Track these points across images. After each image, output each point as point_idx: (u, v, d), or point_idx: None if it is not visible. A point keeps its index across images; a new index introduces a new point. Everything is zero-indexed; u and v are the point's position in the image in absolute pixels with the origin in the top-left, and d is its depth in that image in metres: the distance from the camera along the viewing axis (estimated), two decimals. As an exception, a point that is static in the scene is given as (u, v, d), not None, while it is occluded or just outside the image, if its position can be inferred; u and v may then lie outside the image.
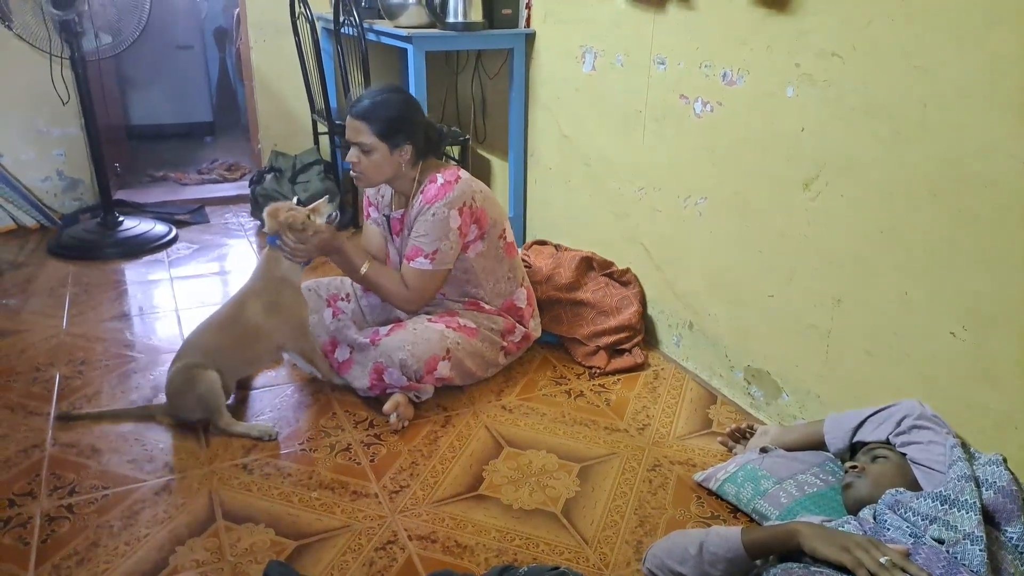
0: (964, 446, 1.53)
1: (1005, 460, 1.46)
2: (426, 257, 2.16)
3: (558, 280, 2.56)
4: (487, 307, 2.33)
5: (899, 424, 1.59)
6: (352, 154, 2.14)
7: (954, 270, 1.61)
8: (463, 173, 2.22)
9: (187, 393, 2.01)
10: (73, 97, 3.42)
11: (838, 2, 1.77)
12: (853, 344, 1.89)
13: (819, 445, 1.79)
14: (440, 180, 2.18)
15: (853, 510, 1.50)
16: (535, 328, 2.45)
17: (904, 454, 1.55)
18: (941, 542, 1.27)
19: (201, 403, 2.01)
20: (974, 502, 1.30)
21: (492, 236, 2.28)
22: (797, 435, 1.86)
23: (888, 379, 1.80)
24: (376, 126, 2.09)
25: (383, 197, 2.39)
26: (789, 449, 1.84)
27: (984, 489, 1.36)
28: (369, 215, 2.45)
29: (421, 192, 2.20)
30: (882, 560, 1.15)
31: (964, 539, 1.24)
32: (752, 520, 1.74)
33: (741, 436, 2.02)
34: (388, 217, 2.32)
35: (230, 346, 2.08)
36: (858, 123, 1.77)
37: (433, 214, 2.14)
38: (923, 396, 1.68)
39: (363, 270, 2.17)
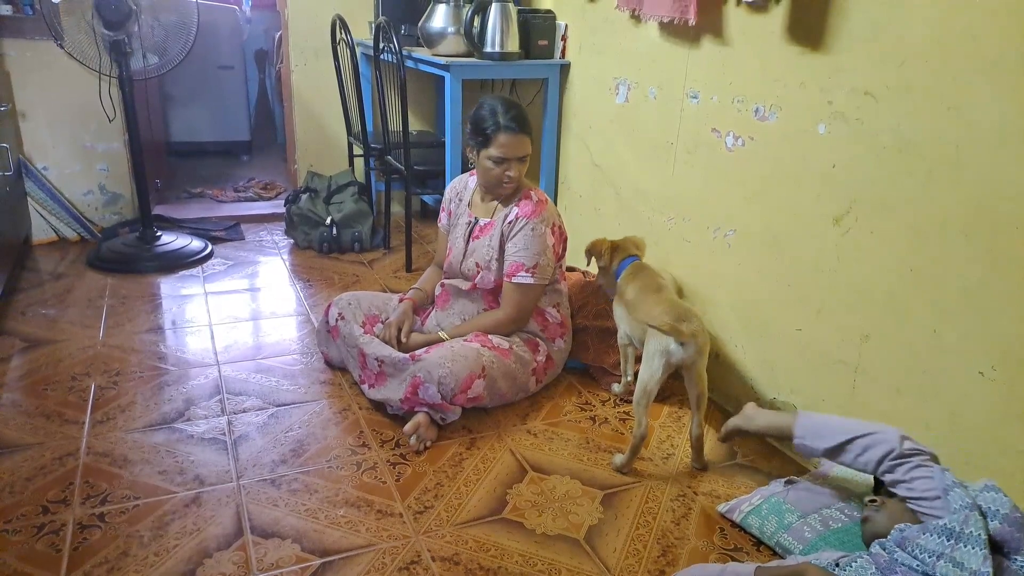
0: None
1: (996, 485, 1.45)
2: (527, 271, 2.29)
3: (587, 308, 2.58)
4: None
5: (880, 464, 1.58)
6: (515, 167, 2.27)
7: (986, 310, 1.61)
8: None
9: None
10: (119, 114, 3.54)
11: (872, 42, 1.79)
12: (880, 380, 1.88)
13: (786, 437, 1.83)
14: (535, 197, 2.33)
15: (870, 543, 1.50)
16: (557, 351, 2.46)
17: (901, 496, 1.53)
18: None
19: None
20: (979, 535, 1.29)
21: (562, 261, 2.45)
22: (763, 422, 1.92)
23: (916, 417, 1.79)
24: (531, 134, 2.27)
25: (461, 202, 2.51)
26: (754, 432, 1.93)
27: (989, 519, 1.35)
28: (441, 220, 2.60)
29: (516, 204, 2.32)
30: None
31: (971, 575, 1.26)
32: (775, 554, 1.73)
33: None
34: (473, 223, 2.42)
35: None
36: (890, 161, 1.78)
37: (532, 229, 2.28)
38: (951, 435, 1.67)
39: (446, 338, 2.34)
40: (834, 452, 1.67)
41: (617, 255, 2.41)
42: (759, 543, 1.79)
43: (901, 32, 1.72)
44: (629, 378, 2.40)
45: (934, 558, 1.31)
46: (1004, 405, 1.60)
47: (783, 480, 1.90)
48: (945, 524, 1.33)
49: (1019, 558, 1.32)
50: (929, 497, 1.44)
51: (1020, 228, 1.52)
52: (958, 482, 1.43)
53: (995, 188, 1.56)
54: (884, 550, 1.38)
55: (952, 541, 1.30)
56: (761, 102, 2.14)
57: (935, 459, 1.54)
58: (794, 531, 1.69)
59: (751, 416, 1.96)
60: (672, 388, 2.50)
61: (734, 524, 1.85)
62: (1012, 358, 1.57)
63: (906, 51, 1.71)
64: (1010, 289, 1.56)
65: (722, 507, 1.89)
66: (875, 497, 1.58)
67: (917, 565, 1.31)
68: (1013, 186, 1.53)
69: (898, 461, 1.54)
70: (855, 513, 1.70)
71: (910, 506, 1.49)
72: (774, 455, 2.18)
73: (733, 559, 1.74)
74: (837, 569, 1.36)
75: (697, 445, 2.07)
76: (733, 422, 2.00)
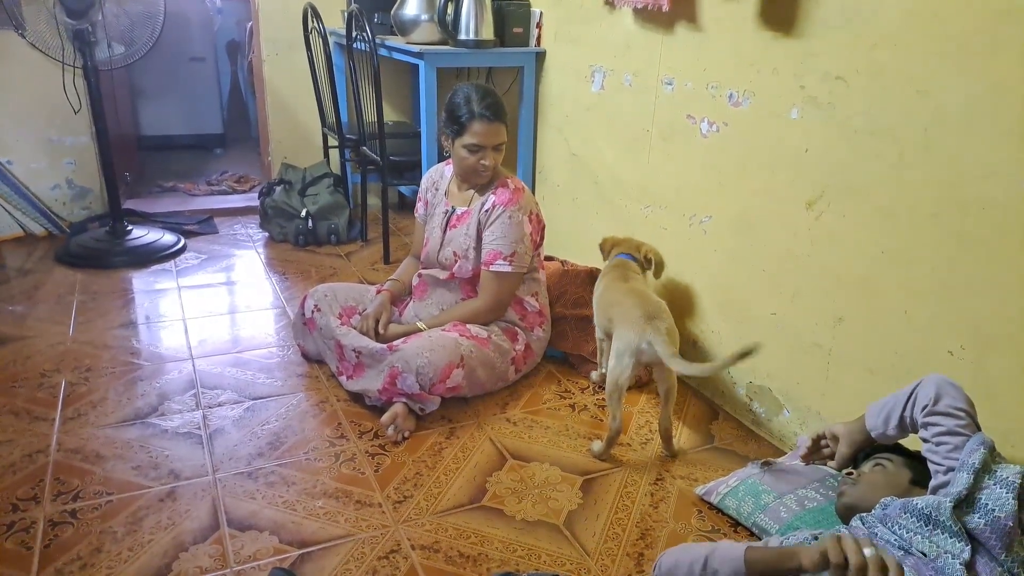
0: (991, 449, 1.37)
1: (1015, 481, 1.32)
2: (505, 259, 2.28)
3: (565, 297, 2.59)
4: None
5: (918, 420, 1.45)
6: (491, 155, 2.26)
7: (954, 290, 1.63)
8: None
9: None
10: (84, 106, 3.47)
11: (843, 27, 1.80)
12: (854, 362, 1.90)
13: (867, 437, 1.60)
14: (511, 185, 2.32)
15: (844, 517, 1.51)
16: (536, 340, 2.46)
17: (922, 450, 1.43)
18: (926, 554, 1.29)
19: None
20: (951, 524, 1.28)
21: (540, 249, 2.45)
22: (858, 436, 1.61)
23: (890, 398, 1.81)
24: (506, 122, 2.26)
25: (437, 191, 2.49)
26: (861, 444, 1.62)
27: (976, 515, 1.29)
28: (418, 210, 2.58)
29: (493, 192, 2.31)
30: (867, 552, 1.13)
31: (945, 554, 1.27)
32: (752, 534, 1.75)
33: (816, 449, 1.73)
34: (450, 212, 2.41)
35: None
36: (861, 145, 1.79)
37: (509, 216, 2.27)
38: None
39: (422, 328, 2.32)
40: (902, 429, 1.51)
41: (613, 251, 2.42)
42: (736, 524, 1.80)
43: (870, 16, 1.73)
44: (603, 370, 2.41)
45: (911, 534, 1.32)
46: (973, 383, 1.61)
47: (759, 462, 1.92)
48: (921, 508, 1.33)
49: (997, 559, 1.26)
50: (944, 468, 1.37)
51: (987, 209, 1.55)
52: (977, 465, 1.31)
53: (963, 169, 1.58)
54: (864, 524, 1.39)
55: (930, 527, 1.31)
56: (735, 88, 2.15)
57: (973, 420, 1.40)
58: (770, 511, 1.71)
59: (847, 434, 1.64)
60: (651, 374, 2.52)
61: (712, 506, 1.87)
62: (980, 337, 1.60)
63: (875, 35, 1.72)
64: (978, 269, 1.58)
65: (699, 490, 1.90)
66: (851, 471, 1.58)
67: (895, 540, 1.33)
68: (980, 168, 1.55)
69: (930, 419, 1.41)
70: (830, 492, 1.72)
71: (931, 467, 1.40)
72: (750, 438, 2.20)
73: (711, 540, 1.75)
74: (815, 542, 1.37)
75: (666, 436, 2.08)
76: (844, 452, 1.62)
